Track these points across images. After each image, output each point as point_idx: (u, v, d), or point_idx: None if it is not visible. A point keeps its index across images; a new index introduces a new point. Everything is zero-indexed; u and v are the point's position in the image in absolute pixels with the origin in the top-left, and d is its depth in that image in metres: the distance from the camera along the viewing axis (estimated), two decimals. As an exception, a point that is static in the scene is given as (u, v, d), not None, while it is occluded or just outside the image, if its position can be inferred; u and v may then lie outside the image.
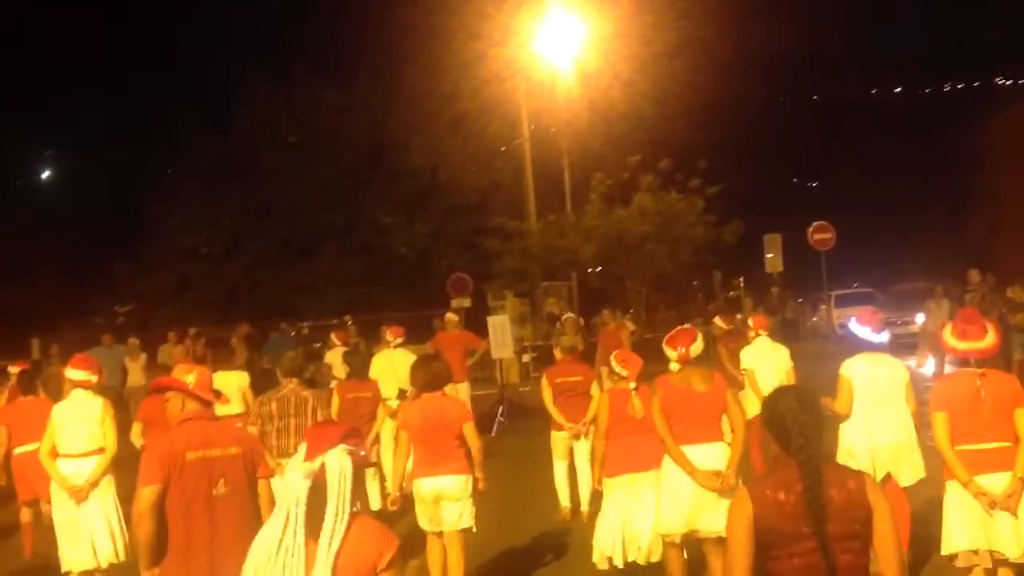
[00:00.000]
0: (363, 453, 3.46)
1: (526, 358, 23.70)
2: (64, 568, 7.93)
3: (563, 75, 30.23)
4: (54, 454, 7.98)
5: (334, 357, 13.74)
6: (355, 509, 3.39)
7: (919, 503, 7.62)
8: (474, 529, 7.42)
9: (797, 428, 3.59)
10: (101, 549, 7.79)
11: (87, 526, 7.79)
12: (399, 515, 8.22)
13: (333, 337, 15.05)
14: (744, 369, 10.24)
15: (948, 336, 6.18)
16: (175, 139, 37.24)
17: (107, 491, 8.00)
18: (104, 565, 7.80)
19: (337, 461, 3.36)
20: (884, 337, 7.63)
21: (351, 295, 33.41)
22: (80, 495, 7.83)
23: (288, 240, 36.32)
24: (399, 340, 12.57)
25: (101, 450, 7.95)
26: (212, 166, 36.58)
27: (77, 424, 7.98)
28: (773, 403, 3.74)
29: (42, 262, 38.95)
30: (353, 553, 3.33)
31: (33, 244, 39.80)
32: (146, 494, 4.98)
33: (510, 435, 15.22)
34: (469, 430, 7.37)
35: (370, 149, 37.11)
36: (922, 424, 7.37)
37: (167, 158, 37.48)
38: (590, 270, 28.62)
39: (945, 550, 6.17)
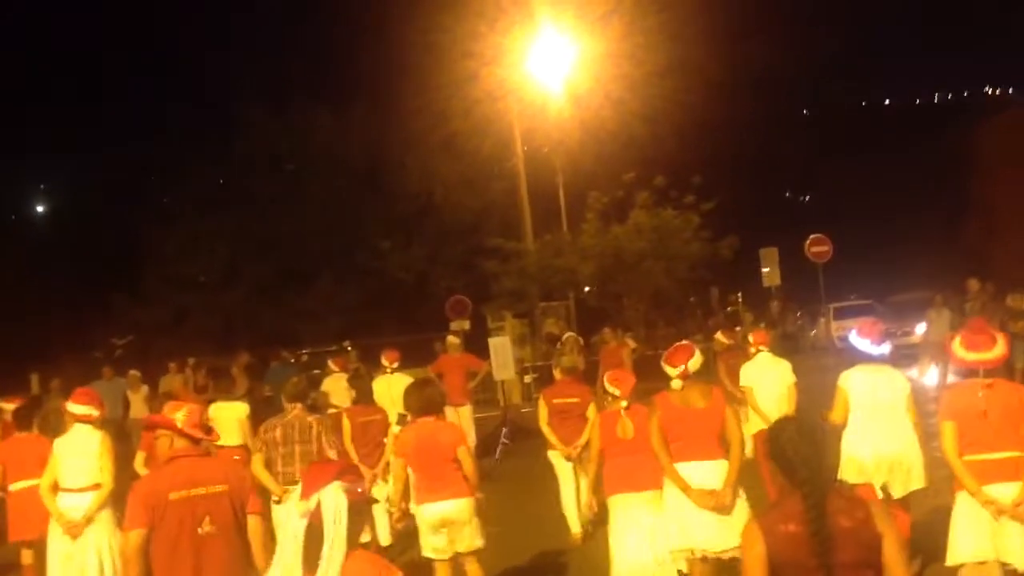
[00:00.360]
0: (360, 490, 3.45)
1: (528, 379, 23.69)
2: None
3: (554, 95, 30.33)
4: (55, 489, 7.96)
5: (332, 384, 13.71)
6: (363, 542, 3.39)
7: (921, 512, 7.62)
8: (482, 547, 7.43)
9: (800, 460, 3.61)
10: None
11: (82, 561, 7.76)
12: (405, 544, 8.22)
13: (331, 364, 15.01)
14: (743, 386, 10.23)
15: (957, 347, 6.19)
16: (171, 167, 37.31)
17: (103, 526, 7.97)
18: None
19: (332, 498, 3.36)
20: (885, 348, 7.66)
21: (350, 321, 33.38)
22: (76, 530, 7.80)
23: (286, 267, 36.31)
24: (395, 364, 12.58)
25: (98, 485, 7.92)
26: (208, 194, 36.62)
27: (77, 458, 7.96)
28: (775, 435, 3.76)
29: (39, 296, 38.92)
30: None
31: (30, 278, 39.80)
32: (132, 538, 4.99)
33: (514, 456, 15.18)
34: (463, 453, 7.36)
35: (366, 172, 37.19)
36: (927, 435, 7.40)
37: (163, 187, 37.51)
38: (588, 289, 28.65)
39: (951, 561, 6.16)
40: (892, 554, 3.53)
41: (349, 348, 20.85)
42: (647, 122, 31.81)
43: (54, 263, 42.08)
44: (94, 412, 8.13)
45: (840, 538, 3.49)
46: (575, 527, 10.04)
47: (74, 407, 8.14)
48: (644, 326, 27.19)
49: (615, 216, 26.47)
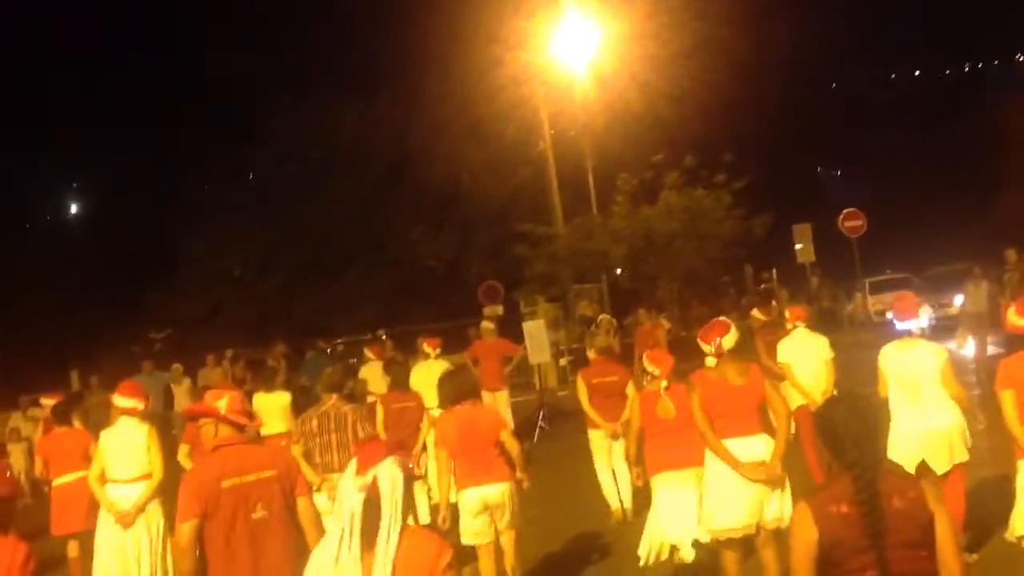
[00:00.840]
0: (411, 466, 3.48)
1: (563, 362, 23.69)
2: None
3: (580, 78, 30.20)
4: (103, 480, 8.07)
5: (369, 372, 13.80)
6: (407, 521, 3.42)
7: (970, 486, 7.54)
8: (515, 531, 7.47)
9: (850, 439, 3.54)
10: (144, 574, 7.86)
11: (133, 551, 7.86)
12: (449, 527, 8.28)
13: (367, 352, 15.10)
14: (781, 362, 10.18)
15: (1012, 315, 6.15)
16: (200, 163, 37.57)
17: (153, 516, 8.09)
18: None
19: (389, 473, 3.39)
20: (920, 322, 7.61)
21: (383, 310, 33.54)
22: (126, 520, 7.90)
23: (318, 258, 36.51)
24: (437, 351, 12.63)
25: (147, 476, 8.02)
26: (239, 189, 36.86)
27: (124, 450, 8.08)
28: (825, 414, 3.70)
29: (76, 294, 39.36)
30: (409, 561, 3.34)
31: (66, 277, 40.26)
32: (185, 529, 5.01)
33: (551, 440, 15.20)
34: (506, 436, 7.42)
35: (393, 162, 37.26)
36: (971, 407, 7.34)
37: (193, 183, 37.79)
38: (620, 271, 28.57)
39: (1017, 532, 6.10)
40: (944, 534, 3.47)
41: (384, 337, 20.92)
42: (674, 102, 31.62)
43: (90, 261, 42.53)
44: (139, 405, 8.24)
45: (892, 519, 3.44)
46: (614, 503, 10.06)
47: (120, 400, 8.24)
48: (678, 306, 27.08)
49: (645, 197, 26.38)
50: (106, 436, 8.25)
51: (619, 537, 9.50)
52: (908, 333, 7.48)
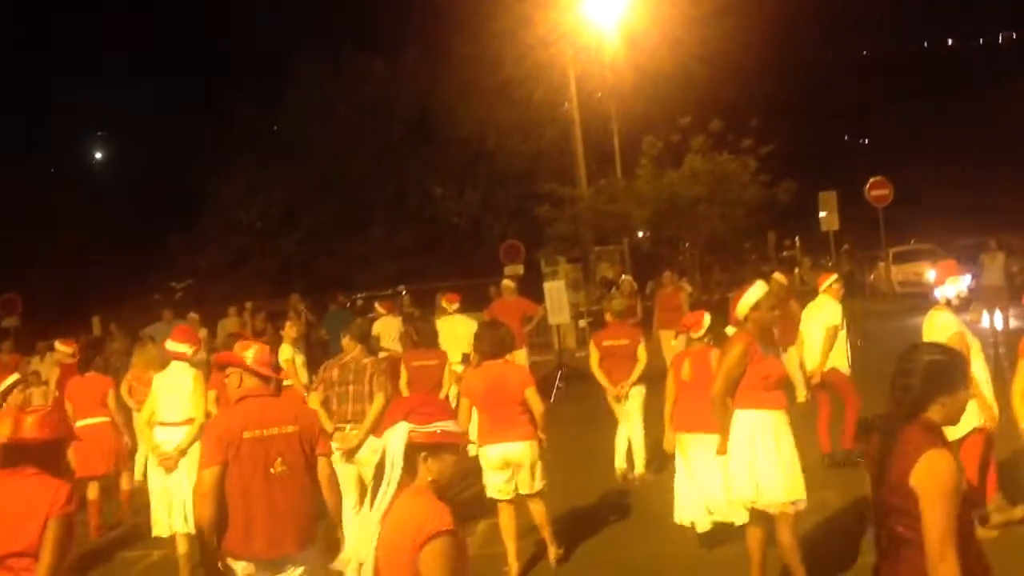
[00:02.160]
0: (439, 430, 3.40)
1: (582, 323, 23.64)
2: (155, 533, 8.17)
3: (609, 38, 29.92)
4: (152, 423, 8.15)
5: (383, 327, 13.80)
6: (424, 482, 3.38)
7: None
8: (543, 489, 7.51)
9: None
10: (192, 515, 7.92)
11: (179, 493, 7.93)
12: (468, 481, 8.32)
13: (379, 307, 15.09)
14: (801, 329, 10.19)
15: None
16: (226, 114, 37.52)
17: (197, 459, 8.16)
18: (194, 531, 7.92)
19: (396, 435, 3.36)
20: (948, 291, 7.60)
21: (404, 265, 33.57)
22: (169, 463, 7.99)
23: (341, 212, 36.51)
24: (455, 306, 12.63)
25: (191, 420, 8.08)
26: (264, 140, 36.83)
27: (173, 395, 8.16)
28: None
29: (99, 241, 39.56)
30: (394, 526, 3.31)
31: (90, 224, 40.44)
32: (206, 476, 5.07)
33: (569, 401, 15.21)
34: (531, 394, 7.41)
35: (419, 118, 37.12)
36: (990, 379, 7.32)
37: (219, 134, 37.76)
38: (642, 234, 28.47)
39: None
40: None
41: (404, 292, 20.94)
42: (704, 64, 31.28)
43: (113, 209, 42.68)
44: (189, 350, 8.30)
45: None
46: (618, 463, 10.11)
47: (171, 345, 8.33)
48: (699, 271, 27.01)
49: (670, 161, 26.21)
50: (158, 380, 8.38)
51: (634, 495, 9.53)
52: (936, 301, 7.49)
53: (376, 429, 7.40)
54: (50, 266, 36.29)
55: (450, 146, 36.04)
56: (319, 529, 5.27)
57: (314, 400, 8.04)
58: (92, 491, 9.81)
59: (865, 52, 69.25)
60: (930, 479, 3.30)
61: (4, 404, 8.57)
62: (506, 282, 16.83)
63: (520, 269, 25.20)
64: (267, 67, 39.76)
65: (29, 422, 4.53)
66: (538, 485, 7.46)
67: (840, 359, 9.82)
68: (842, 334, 9.85)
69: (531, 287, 20.20)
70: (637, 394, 10.14)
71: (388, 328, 13.61)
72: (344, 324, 17.73)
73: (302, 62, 37.22)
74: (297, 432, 5.17)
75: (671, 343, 16.02)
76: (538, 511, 7.54)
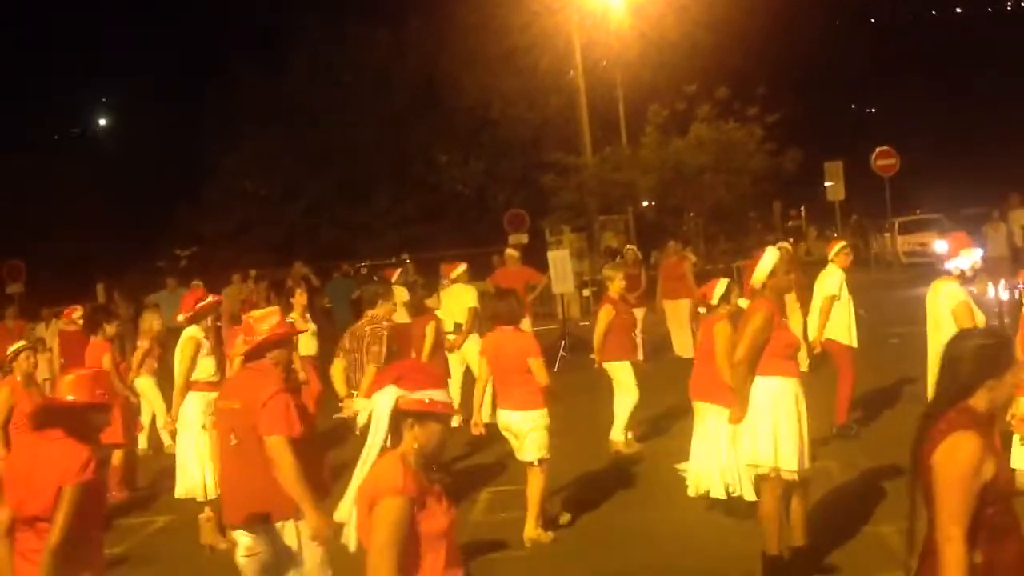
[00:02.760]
0: (428, 399, 3.40)
1: (586, 292, 23.63)
2: (176, 494, 8.24)
3: (614, 5, 29.69)
4: (188, 388, 8.21)
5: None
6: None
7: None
8: (542, 460, 7.48)
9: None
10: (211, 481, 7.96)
11: (201, 457, 7.98)
12: (489, 442, 8.41)
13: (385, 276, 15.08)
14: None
15: None
16: (230, 82, 37.34)
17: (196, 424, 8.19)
18: (212, 496, 7.97)
19: (382, 400, 3.38)
20: (961, 263, 7.60)
21: (408, 234, 33.50)
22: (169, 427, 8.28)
23: (345, 181, 36.40)
24: (455, 274, 12.61)
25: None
26: (268, 109, 36.65)
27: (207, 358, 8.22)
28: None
29: (103, 208, 39.52)
30: (364, 486, 3.38)
31: (94, 191, 40.39)
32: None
33: (572, 370, 15.20)
34: (535, 365, 7.41)
35: (423, 87, 36.90)
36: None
37: (223, 102, 37.59)
38: (647, 203, 28.35)
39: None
40: (937, 491, 3.30)
41: (407, 261, 20.90)
42: (710, 31, 30.99)
43: (117, 177, 42.61)
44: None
45: (924, 459, 3.37)
46: (617, 436, 10.13)
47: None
48: (704, 240, 26.92)
49: (676, 129, 26.08)
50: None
51: (638, 465, 9.54)
52: (948, 272, 7.49)
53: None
54: (54, 234, 36.27)
55: (455, 115, 35.86)
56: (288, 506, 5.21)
57: (337, 367, 8.08)
58: (115, 457, 9.91)
59: (873, 20, 68.69)
60: (947, 460, 3.30)
61: (11, 369, 8.60)
62: (510, 251, 16.80)
63: (524, 238, 25.16)
64: (271, 35, 39.52)
65: (66, 383, 4.60)
66: (530, 456, 7.45)
67: (840, 330, 9.76)
68: (843, 305, 9.79)
69: (535, 256, 20.17)
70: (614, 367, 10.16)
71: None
72: (347, 292, 17.79)
73: (306, 30, 36.97)
74: (241, 409, 5.24)
75: (676, 313, 16.08)
76: (532, 483, 7.51)
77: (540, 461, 7.47)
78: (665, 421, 11.00)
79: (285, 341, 5.54)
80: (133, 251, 35.61)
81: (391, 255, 27.95)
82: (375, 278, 15.21)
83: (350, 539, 3.44)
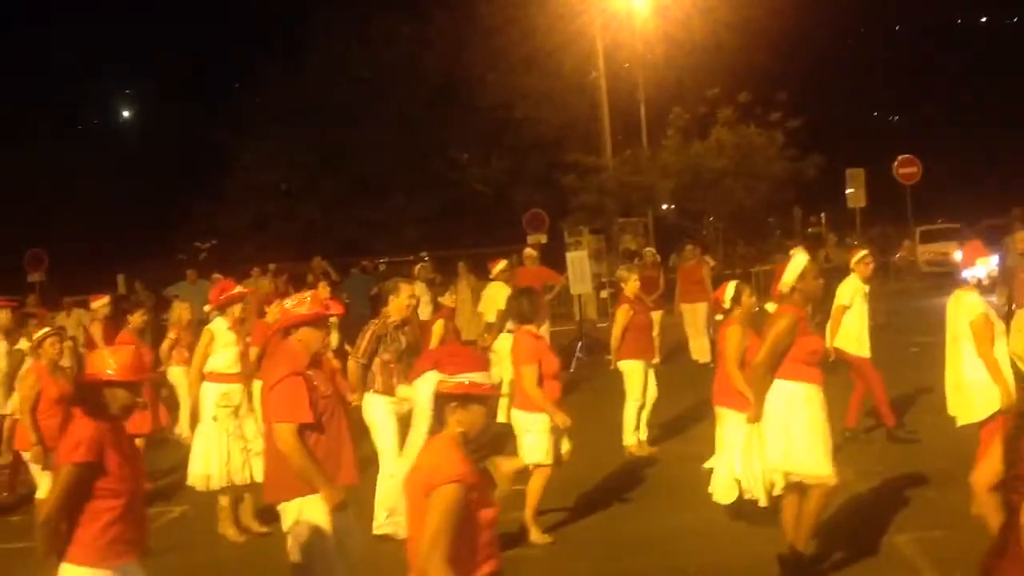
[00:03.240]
0: (468, 381, 3.42)
1: (604, 294, 23.61)
2: (189, 482, 8.29)
3: (639, 6, 29.64)
4: (201, 378, 8.33)
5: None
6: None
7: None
8: (537, 465, 7.44)
9: None
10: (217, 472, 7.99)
11: (207, 448, 8.04)
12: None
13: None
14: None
15: None
16: (252, 77, 37.48)
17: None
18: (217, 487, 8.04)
19: (424, 386, 3.41)
20: (977, 272, 7.55)
21: (426, 232, 33.55)
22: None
23: (364, 177, 36.47)
24: (495, 272, 12.82)
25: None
26: (288, 103, 36.75)
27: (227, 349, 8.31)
28: None
29: (124, 200, 39.72)
30: (415, 473, 3.41)
31: (116, 183, 40.61)
32: None
33: (589, 370, 15.20)
34: (525, 372, 7.44)
35: (444, 85, 36.92)
36: (993, 367, 7.24)
37: (245, 96, 37.75)
38: (666, 206, 28.32)
39: None
40: None
41: (426, 259, 20.95)
42: (735, 32, 30.88)
43: (138, 168, 42.80)
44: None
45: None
46: (628, 438, 10.12)
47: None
48: (723, 244, 26.86)
49: (697, 133, 26.03)
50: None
51: (654, 471, 9.51)
52: (965, 282, 7.43)
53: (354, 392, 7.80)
54: (74, 223, 36.46)
55: (476, 113, 35.86)
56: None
57: (352, 366, 8.12)
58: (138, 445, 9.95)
59: (898, 27, 68.26)
60: None
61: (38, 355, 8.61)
62: (528, 251, 16.83)
63: (543, 238, 25.16)
64: (293, 28, 39.62)
65: (94, 357, 4.66)
66: (525, 457, 7.39)
67: (849, 340, 9.66)
68: (855, 315, 9.70)
69: (554, 257, 20.16)
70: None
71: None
72: (366, 288, 17.84)
73: (328, 23, 37.04)
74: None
75: (693, 317, 16.05)
76: (530, 484, 7.45)
77: (536, 465, 7.42)
78: (681, 424, 10.99)
79: (314, 321, 5.52)
80: (152, 243, 35.75)
81: (410, 252, 28.00)
82: (402, 274, 15.24)
83: (399, 527, 3.50)
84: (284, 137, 36.58)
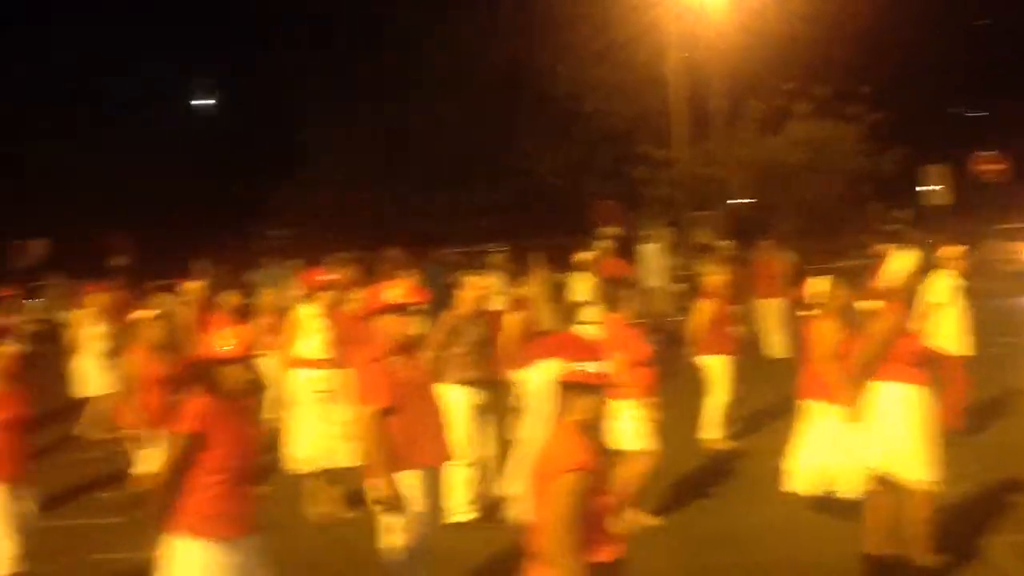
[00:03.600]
0: (585, 369, 3.41)
1: (676, 288, 23.43)
2: (282, 464, 8.52)
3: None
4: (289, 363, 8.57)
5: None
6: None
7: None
8: (635, 451, 7.43)
9: None
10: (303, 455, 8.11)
11: (294, 432, 8.21)
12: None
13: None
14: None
15: None
16: (327, 68, 37.83)
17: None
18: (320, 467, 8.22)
19: (542, 374, 3.45)
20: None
21: (498, 222, 33.57)
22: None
23: (437, 167, 36.66)
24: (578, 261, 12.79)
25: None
26: (365, 91, 37.05)
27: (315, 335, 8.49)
28: None
29: (202, 185, 40.40)
30: (540, 460, 3.46)
31: (191, 169, 41.33)
32: None
33: (663, 365, 15.07)
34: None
35: (515, 76, 36.92)
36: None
37: (324, 83, 38.13)
38: (739, 200, 28.06)
39: None
40: None
41: (499, 249, 20.97)
42: (812, 24, 30.37)
43: (217, 153, 43.47)
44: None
45: None
46: (709, 433, 10.07)
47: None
48: (798, 239, 26.50)
49: (772, 126, 25.74)
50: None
51: (734, 466, 9.43)
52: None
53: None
54: (151, 210, 37.14)
55: (548, 104, 35.82)
56: None
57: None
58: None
59: (987, 20, 66.64)
60: None
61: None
62: (601, 244, 16.76)
63: (616, 231, 25.00)
64: (366, 15, 39.77)
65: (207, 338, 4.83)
66: (619, 443, 7.34)
67: (948, 338, 9.49)
68: (954, 312, 9.53)
69: (624, 250, 20.04)
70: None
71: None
72: (439, 278, 17.93)
73: (402, 12, 37.24)
74: None
75: (768, 312, 15.87)
76: (623, 470, 7.42)
77: (632, 451, 7.40)
78: (759, 419, 10.89)
79: (398, 308, 5.61)
80: (227, 230, 36.26)
81: (482, 242, 28.04)
82: (476, 264, 15.35)
83: (521, 514, 3.54)
84: (358, 126, 36.88)
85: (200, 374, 4.64)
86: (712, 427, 10.02)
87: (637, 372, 7.32)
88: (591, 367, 3.46)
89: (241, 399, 4.78)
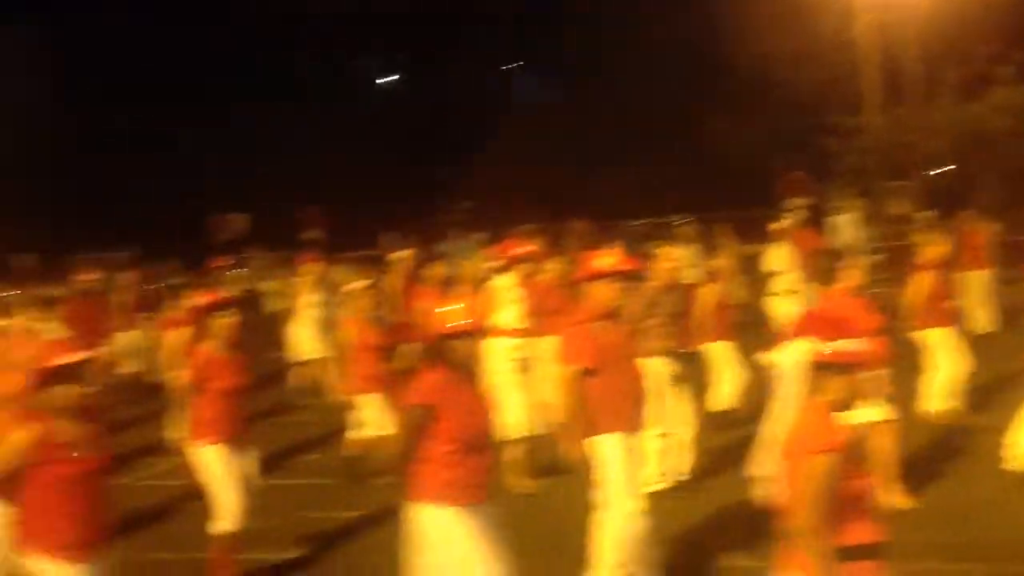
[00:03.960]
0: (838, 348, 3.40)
1: (870, 260, 22.59)
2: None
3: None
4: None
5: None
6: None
7: None
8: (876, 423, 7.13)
9: None
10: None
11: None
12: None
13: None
14: None
15: None
16: (510, 48, 38.21)
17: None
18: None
19: (792, 353, 3.43)
20: None
21: (684, 194, 33.17)
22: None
23: (623, 138, 36.56)
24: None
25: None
26: (545, 69, 37.26)
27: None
28: None
29: (385, 160, 41.43)
30: (793, 439, 3.44)
31: (377, 145, 42.45)
32: None
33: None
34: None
35: (703, 48, 36.35)
36: None
37: (506, 56, 38.58)
38: (939, 170, 26.84)
39: None
40: None
41: (686, 221, 20.67)
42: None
43: (403, 129, 44.49)
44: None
45: None
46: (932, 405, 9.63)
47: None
48: (1002, 208, 25.13)
49: (974, 91, 24.48)
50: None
51: (952, 441, 8.99)
52: None
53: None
54: (339, 184, 38.24)
55: (734, 75, 35.11)
56: None
57: None
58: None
59: None
60: None
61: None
62: (790, 215, 16.33)
63: (806, 201, 24.29)
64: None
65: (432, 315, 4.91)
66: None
67: None
68: None
69: (814, 222, 19.44)
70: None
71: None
72: (627, 249, 17.82)
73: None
74: None
75: (972, 285, 15.09)
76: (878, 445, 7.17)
77: (879, 422, 7.09)
78: (971, 394, 10.35)
79: (608, 275, 5.71)
80: (408, 203, 37.06)
81: (668, 214, 27.76)
82: (664, 237, 15.17)
83: (769, 494, 3.55)
84: (542, 105, 37.18)
85: (430, 348, 4.75)
86: (936, 399, 9.58)
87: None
88: (850, 346, 3.40)
89: (471, 370, 4.88)
